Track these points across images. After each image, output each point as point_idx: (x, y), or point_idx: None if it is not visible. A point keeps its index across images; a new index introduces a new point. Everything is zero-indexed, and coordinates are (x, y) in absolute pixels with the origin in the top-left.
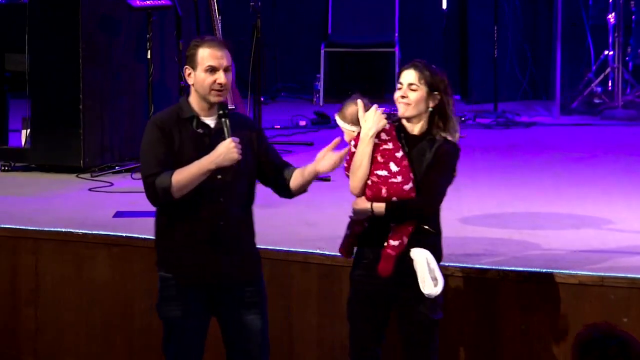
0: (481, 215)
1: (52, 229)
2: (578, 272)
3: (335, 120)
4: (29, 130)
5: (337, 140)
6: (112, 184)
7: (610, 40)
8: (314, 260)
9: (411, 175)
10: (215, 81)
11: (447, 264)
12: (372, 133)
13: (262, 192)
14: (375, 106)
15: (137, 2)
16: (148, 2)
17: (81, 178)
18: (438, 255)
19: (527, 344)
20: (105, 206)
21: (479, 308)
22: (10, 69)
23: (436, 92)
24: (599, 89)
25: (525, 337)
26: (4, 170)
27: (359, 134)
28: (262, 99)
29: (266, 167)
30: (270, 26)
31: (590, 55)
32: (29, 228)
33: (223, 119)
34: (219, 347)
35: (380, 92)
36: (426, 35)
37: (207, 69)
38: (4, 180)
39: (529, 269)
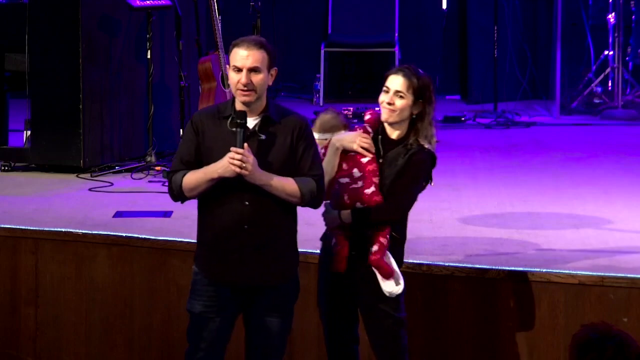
0: (481, 215)
1: (52, 229)
2: (578, 272)
3: None
4: (29, 131)
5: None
6: (112, 184)
7: (610, 40)
8: (314, 260)
9: (375, 179)
10: (238, 81)
11: (447, 264)
12: (339, 145)
13: None
14: (359, 132)
15: (137, 2)
16: (148, 2)
17: (81, 178)
18: (399, 259)
19: (527, 344)
20: (105, 206)
21: (479, 308)
22: (10, 69)
23: (421, 100)
24: (599, 89)
25: (525, 337)
26: (4, 170)
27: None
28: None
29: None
30: (270, 26)
31: (590, 55)
32: (29, 228)
33: (235, 129)
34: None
35: (380, 92)
36: (426, 35)
37: (233, 68)
38: (4, 180)
39: (529, 269)
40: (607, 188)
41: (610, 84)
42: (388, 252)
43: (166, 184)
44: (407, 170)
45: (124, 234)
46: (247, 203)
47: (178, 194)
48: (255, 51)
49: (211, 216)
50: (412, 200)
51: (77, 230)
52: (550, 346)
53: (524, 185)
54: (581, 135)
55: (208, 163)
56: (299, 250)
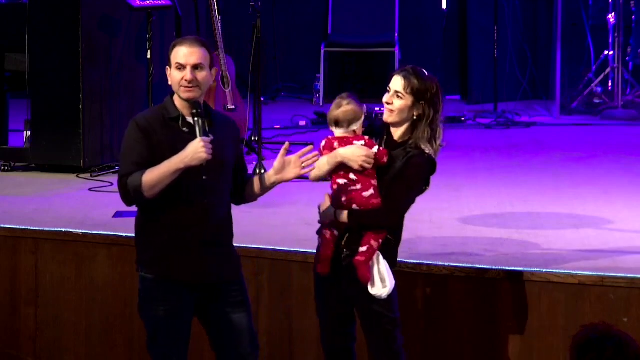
0: (481, 215)
1: (52, 229)
2: (578, 272)
3: None
4: (29, 131)
5: (286, 144)
6: (112, 184)
7: (610, 40)
8: (314, 260)
9: (373, 182)
10: (182, 78)
11: (447, 264)
12: (341, 159)
13: None
14: (360, 144)
15: (137, 2)
16: (148, 2)
17: (81, 178)
18: (392, 261)
19: (527, 344)
20: (105, 206)
21: (479, 308)
22: (10, 69)
23: (422, 102)
24: (599, 89)
25: (525, 337)
26: (4, 170)
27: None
28: (262, 99)
29: (234, 171)
30: (270, 26)
31: (590, 55)
32: (29, 228)
33: (195, 118)
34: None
35: (380, 92)
36: (426, 35)
37: (177, 66)
38: (4, 180)
39: (529, 269)
40: (607, 188)
41: (610, 84)
42: (381, 257)
43: None
44: (403, 174)
45: (124, 234)
46: (205, 200)
47: (135, 195)
48: (198, 49)
49: (168, 216)
50: (407, 204)
51: (77, 230)
52: (550, 346)
53: (524, 185)
54: (581, 135)
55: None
56: (298, 249)
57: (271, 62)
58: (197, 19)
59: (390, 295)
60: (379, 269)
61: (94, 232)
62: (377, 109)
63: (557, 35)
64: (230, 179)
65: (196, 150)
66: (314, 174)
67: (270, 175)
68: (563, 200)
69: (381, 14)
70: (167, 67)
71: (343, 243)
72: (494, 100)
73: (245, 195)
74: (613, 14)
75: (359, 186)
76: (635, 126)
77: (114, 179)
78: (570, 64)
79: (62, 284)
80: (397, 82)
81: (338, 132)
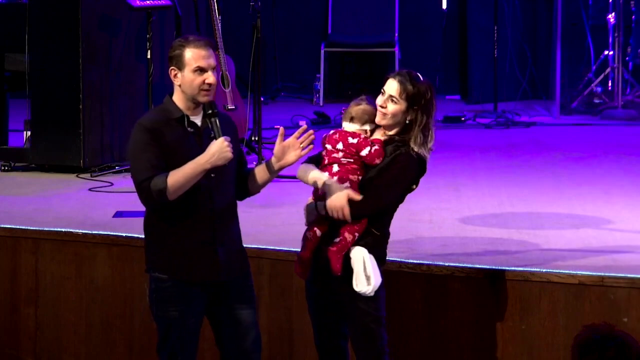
0: (481, 215)
1: (52, 229)
2: (578, 272)
3: (334, 121)
4: (29, 131)
5: (282, 130)
6: (112, 184)
7: (610, 40)
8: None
9: (352, 177)
10: (204, 81)
11: (447, 264)
12: (325, 191)
13: (262, 192)
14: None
15: (137, 2)
16: (148, 2)
17: (81, 178)
18: (379, 257)
19: (527, 344)
20: (105, 206)
21: (478, 308)
22: (10, 69)
23: (415, 108)
24: (599, 89)
25: (525, 337)
26: (4, 170)
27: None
28: (262, 99)
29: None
30: (270, 26)
31: (590, 55)
32: (29, 228)
33: (212, 119)
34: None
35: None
36: (426, 35)
37: (196, 69)
38: (4, 180)
39: (529, 269)
40: (607, 188)
41: (610, 84)
42: (367, 253)
43: None
44: (388, 169)
45: (124, 234)
46: (215, 198)
47: (159, 199)
48: (212, 51)
49: (178, 216)
50: (391, 198)
51: (77, 230)
52: (550, 346)
53: (524, 185)
54: (581, 135)
55: (173, 166)
56: (298, 250)
57: (271, 62)
58: (197, 19)
59: (376, 293)
60: (364, 265)
61: (94, 232)
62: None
63: (557, 35)
64: (234, 176)
65: (221, 150)
66: (304, 180)
67: (273, 163)
68: (563, 200)
69: (381, 14)
70: (174, 67)
71: (326, 239)
72: (494, 100)
73: (248, 188)
74: (613, 14)
75: (335, 178)
76: (635, 126)
77: (114, 179)
78: (570, 64)
79: (62, 284)
80: (392, 86)
81: (351, 127)
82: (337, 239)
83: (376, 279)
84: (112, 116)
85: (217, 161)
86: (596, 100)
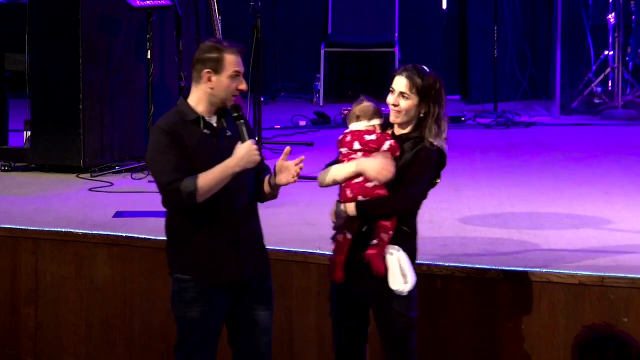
0: (481, 215)
1: (52, 229)
2: (578, 272)
3: (334, 121)
4: (29, 131)
5: (287, 149)
6: (112, 184)
7: (610, 40)
8: (314, 260)
9: None
10: (237, 86)
11: (447, 264)
12: (361, 170)
13: None
14: (385, 163)
15: (137, 2)
16: (148, 2)
17: (81, 178)
18: (412, 254)
19: (527, 344)
20: (105, 206)
21: (479, 308)
22: (10, 69)
23: (427, 100)
24: (599, 89)
25: (525, 337)
26: (4, 170)
27: (379, 126)
28: (262, 99)
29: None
30: (270, 26)
31: (590, 55)
32: (29, 228)
33: (241, 121)
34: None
35: (380, 92)
36: (426, 35)
37: (233, 74)
38: (4, 180)
39: (529, 269)
40: (607, 188)
41: (610, 84)
42: (401, 251)
43: None
44: (413, 164)
45: (124, 234)
46: (237, 199)
47: (188, 201)
48: None
49: (201, 217)
50: (418, 192)
51: (77, 230)
52: (550, 346)
53: (524, 185)
54: (581, 135)
55: (191, 168)
56: (299, 249)
57: (271, 62)
58: (197, 19)
59: (410, 293)
60: (399, 263)
61: (94, 232)
62: (382, 107)
63: (557, 35)
64: (254, 177)
65: (250, 153)
66: (327, 182)
67: (272, 177)
68: (563, 200)
69: (381, 14)
70: (210, 70)
71: (358, 241)
72: (494, 100)
73: (260, 194)
74: (613, 14)
75: (361, 178)
76: (635, 126)
77: (114, 179)
78: (570, 64)
79: (62, 284)
80: (400, 83)
81: (359, 125)
82: (374, 241)
83: (412, 277)
84: (112, 116)
85: (246, 164)
86: (596, 100)
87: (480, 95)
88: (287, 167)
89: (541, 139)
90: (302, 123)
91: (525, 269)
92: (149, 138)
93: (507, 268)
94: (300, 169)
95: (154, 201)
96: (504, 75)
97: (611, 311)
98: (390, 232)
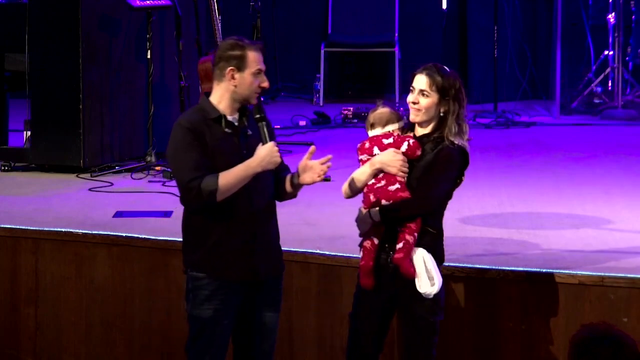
0: (481, 215)
1: (52, 229)
2: (578, 272)
3: (334, 121)
4: (29, 131)
5: (312, 148)
6: (112, 184)
7: (610, 40)
8: (314, 260)
9: (398, 177)
10: (260, 84)
11: (447, 264)
12: (380, 166)
13: None
14: (399, 157)
15: (137, 2)
16: (148, 2)
17: (81, 178)
18: (439, 255)
19: (527, 344)
20: (105, 206)
21: (479, 308)
22: (10, 69)
23: (447, 98)
24: (599, 89)
25: (525, 337)
26: (4, 170)
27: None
28: (262, 98)
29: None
30: (270, 26)
31: (590, 55)
32: (29, 228)
33: (263, 122)
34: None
35: (380, 92)
36: (426, 35)
37: (256, 72)
38: (4, 180)
39: (529, 269)
40: (607, 188)
41: (610, 84)
42: (427, 253)
43: (167, 183)
44: (434, 165)
45: (124, 234)
46: (254, 198)
47: (208, 199)
48: None
49: (218, 216)
50: (441, 193)
51: (77, 230)
52: (550, 346)
53: (524, 185)
54: (581, 135)
55: (212, 166)
56: (299, 250)
57: (271, 62)
58: (197, 19)
59: (436, 295)
60: (425, 266)
61: (94, 232)
62: (401, 108)
63: (557, 35)
64: (273, 177)
65: (272, 154)
66: (352, 189)
67: (295, 177)
68: (563, 200)
69: (381, 14)
70: (233, 68)
71: (385, 245)
72: (494, 100)
73: (280, 193)
74: (613, 14)
75: (383, 182)
76: (635, 126)
77: (114, 179)
78: (570, 64)
79: (62, 284)
80: (421, 81)
81: (374, 133)
82: (400, 245)
83: (439, 279)
84: (112, 116)
85: (267, 165)
86: (596, 100)
87: (480, 95)
88: (311, 167)
89: (541, 139)
90: (302, 123)
91: (526, 269)
92: (171, 134)
93: (507, 268)
94: (328, 167)
95: (154, 201)
96: (504, 75)
97: (611, 311)
98: (415, 234)
